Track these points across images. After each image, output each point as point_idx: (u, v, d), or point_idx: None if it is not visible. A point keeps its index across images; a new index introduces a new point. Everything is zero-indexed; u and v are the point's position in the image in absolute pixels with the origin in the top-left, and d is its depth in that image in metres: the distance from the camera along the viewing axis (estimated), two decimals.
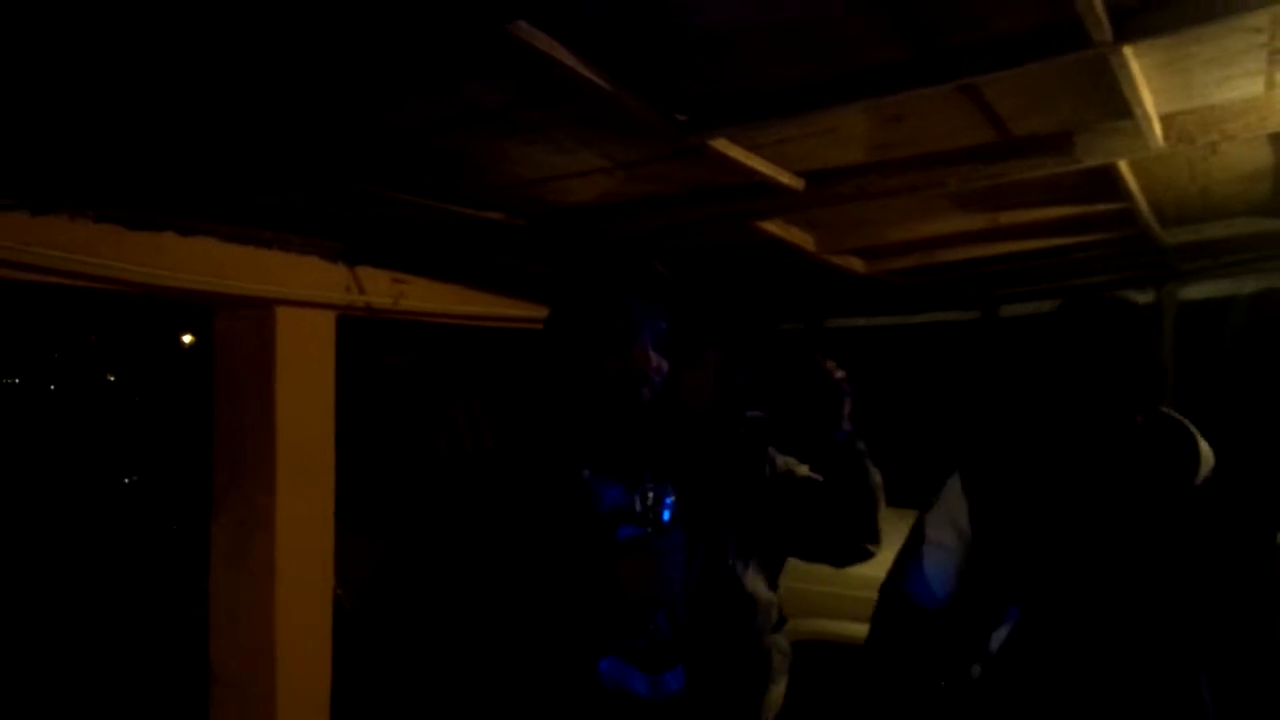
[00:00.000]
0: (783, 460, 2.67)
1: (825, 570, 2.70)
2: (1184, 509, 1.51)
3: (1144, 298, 5.56)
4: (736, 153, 2.66)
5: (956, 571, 1.74)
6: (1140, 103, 2.36)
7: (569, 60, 1.95)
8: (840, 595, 4.40)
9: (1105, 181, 3.21)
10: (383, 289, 4.03)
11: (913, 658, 1.84)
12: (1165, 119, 2.61)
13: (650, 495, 1.54)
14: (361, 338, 4.73)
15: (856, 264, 4.55)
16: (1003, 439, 1.85)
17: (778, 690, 2.72)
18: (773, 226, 3.70)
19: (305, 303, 3.77)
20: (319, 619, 3.94)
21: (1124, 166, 3.00)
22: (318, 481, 3.92)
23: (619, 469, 1.54)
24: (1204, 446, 1.58)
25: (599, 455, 1.54)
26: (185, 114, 2.33)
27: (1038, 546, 1.59)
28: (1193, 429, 1.60)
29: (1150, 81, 2.34)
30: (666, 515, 1.54)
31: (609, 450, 1.56)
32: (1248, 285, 5.18)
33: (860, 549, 2.54)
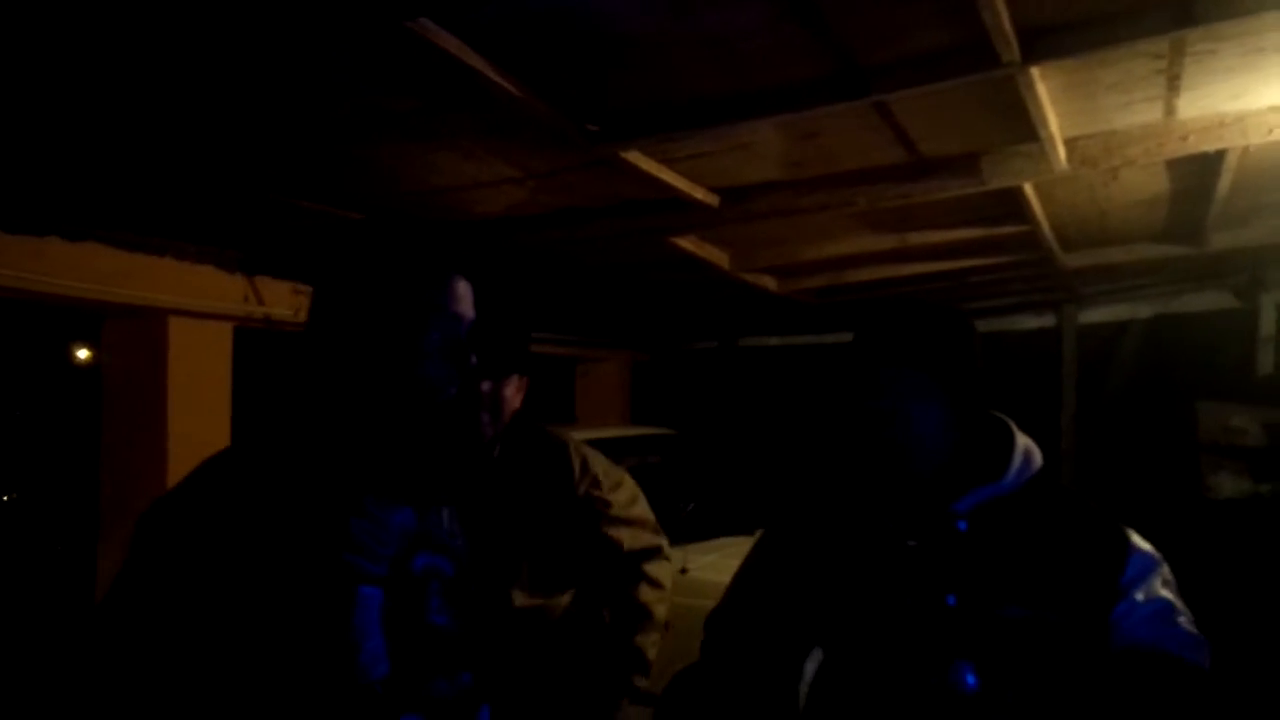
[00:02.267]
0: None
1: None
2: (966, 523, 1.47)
3: (1044, 321, 5.73)
4: (650, 165, 2.63)
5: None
6: (1046, 124, 2.40)
7: (476, 63, 1.88)
8: None
9: (1010, 204, 3.27)
10: (284, 300, 3.88)
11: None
12: (1069, 142, 2.67)
13: (445, 519, 1.26)
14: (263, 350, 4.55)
15: (770, 282, 4.57)
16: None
17: None
18: (687, 243, 3.69)
19: (200, 313, 3.61)
20: None
21: (1029, 189, 3.06)
22: None
23: (404, 488, 1.23)
24: (1021, 445, 1.53)
25: (379, 471, 1.21)
26: (72, 115, 2.20)
27: (824, 586, 1.56)
28: (1013, 429, 1.57)
29: (1056, 104, 2.38)
30: (460, 541, 1.26)
31: (391, 465, 1.22)
32: (1144, 310, 5.36)
33: None
